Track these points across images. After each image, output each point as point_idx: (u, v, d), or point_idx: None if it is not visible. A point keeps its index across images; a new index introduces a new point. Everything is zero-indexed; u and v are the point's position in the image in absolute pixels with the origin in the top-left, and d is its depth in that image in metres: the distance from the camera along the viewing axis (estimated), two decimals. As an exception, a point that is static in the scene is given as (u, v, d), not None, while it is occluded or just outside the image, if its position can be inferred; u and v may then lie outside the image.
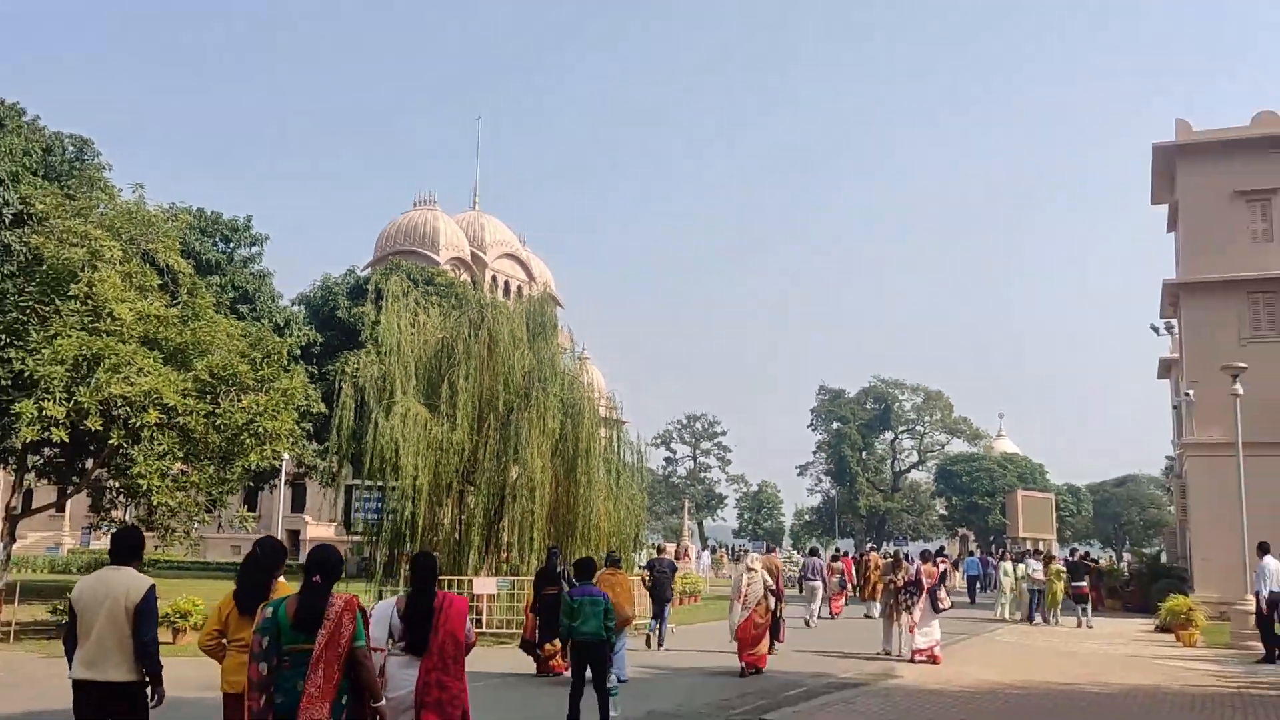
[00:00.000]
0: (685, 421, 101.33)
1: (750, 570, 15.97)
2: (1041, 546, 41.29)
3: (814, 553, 29.23)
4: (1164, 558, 39.72)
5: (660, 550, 26.76)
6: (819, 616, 25.97)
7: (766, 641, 15.84)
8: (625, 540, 22.02)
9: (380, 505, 21.05)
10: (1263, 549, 19.98)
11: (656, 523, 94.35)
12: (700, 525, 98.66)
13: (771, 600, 15.78)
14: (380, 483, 20.63)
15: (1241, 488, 22.56)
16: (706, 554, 54.56)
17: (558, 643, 14.58)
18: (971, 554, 42.83)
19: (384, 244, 70.94)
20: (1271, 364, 28.33)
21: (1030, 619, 27.35)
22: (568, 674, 14.91)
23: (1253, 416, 25.72)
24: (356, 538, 24.02)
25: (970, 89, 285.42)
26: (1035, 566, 28.05)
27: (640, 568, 21.81)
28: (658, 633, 19.42)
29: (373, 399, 20.79)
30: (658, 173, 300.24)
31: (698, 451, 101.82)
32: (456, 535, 20.76)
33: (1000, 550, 37.85)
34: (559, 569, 15.50)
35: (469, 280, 57.82)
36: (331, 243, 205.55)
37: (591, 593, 10.72)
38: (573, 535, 20.39)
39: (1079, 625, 25.92)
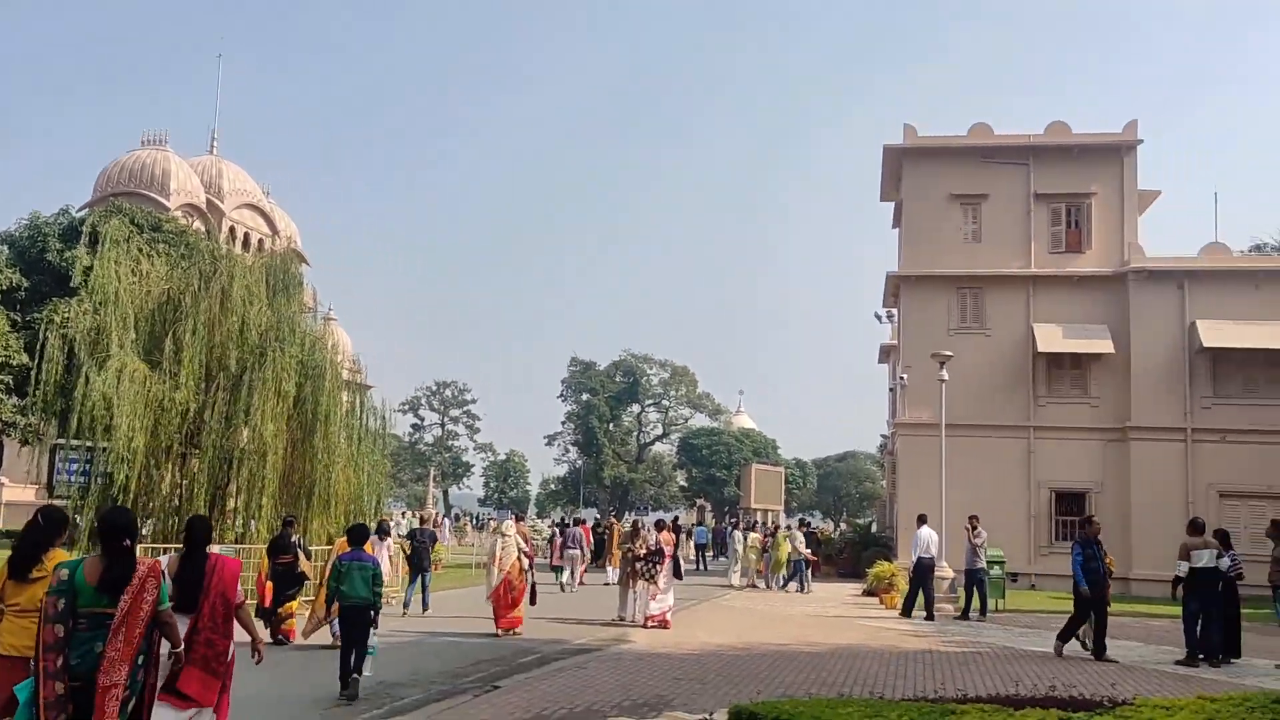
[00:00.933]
0: (435, 388, 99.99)
1: (504, 536, 16.85)
2: (771, 517, 43.70)
3: (578, 522, 30.35)
4: (875, 528, 43.19)
5: (424, 520, 26.73)
6: (580, 583, 26.86)
7: (524, 605, 16.71)
8: (365, 508, 21.58)
9: (89, 467, 19.59)
10: (920, 520, 22.03)
11: (401, 490, 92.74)
12: (445, 493, 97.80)
13: (525, 563, 16.71)
14: (90, 443, 19.19)
15: (943, 464, 24.88)
16: (448, 522, 54.32)
17: (292, 606, 15.08)
18: (700, 524, 45.02)
19: (105, 184, 65.34)
20: (974, 353, 31.40)
21: (784, 586, 28.65)
22: (301, 640, 14.82)
23: (956, 400, 28.57)
24: (60, 501, 22.24)
25: (733, 68, 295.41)
26: (799, 537, 29.24)
27: (400, 536, 21.71)
28: (421, 599, 19.57)
29: (85, 352, 19.30)
30: (420, 132, 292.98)
31: (446, 419, 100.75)
32: (176, 501, 19.62)
33: (735, 520, 39.94)
34: (294, 539, 15.56)
35: (203, 230, 54.25)
36: (43, 178, 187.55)
37: (361, 558, 11.12)
38: (309, 502, 19.76)
39: (801, 590, 27.75)
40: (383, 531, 19.13)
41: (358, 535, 11.58)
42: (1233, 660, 14.87)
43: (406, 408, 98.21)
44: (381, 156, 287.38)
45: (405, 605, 19.61)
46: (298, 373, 20.37)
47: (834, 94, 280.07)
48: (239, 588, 6.85)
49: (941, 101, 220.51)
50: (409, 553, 20.21)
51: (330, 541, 18.49)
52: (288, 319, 21.13)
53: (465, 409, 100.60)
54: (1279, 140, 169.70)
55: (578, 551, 27.35)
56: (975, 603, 21.64)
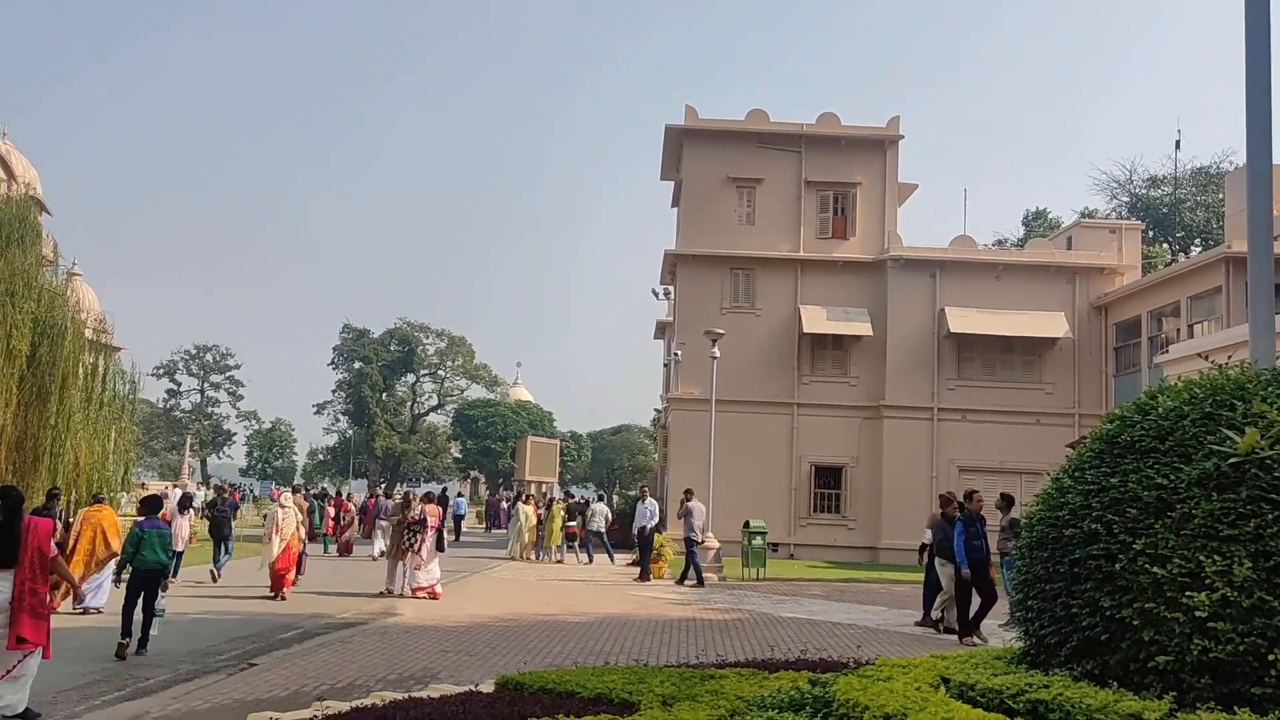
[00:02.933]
0: (195, 352, 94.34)
1: (284, 507, 18.35)
2: (546, 489, 43.92)
3: (387, 494, 29.99)
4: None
5: (221, 490, 26.78)
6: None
7: (293, 572, 18.36)
8: (111, 478, 20.16)
9: None
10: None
11: (153, 459, 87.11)
12: (204, 463, 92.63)
13: (303, 532, 18.66)
14: None
15: (712, 438, 25.72)
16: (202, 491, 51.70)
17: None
18: (461, 495, 45.27)
19: None
20: (744, 332, 32.50)
21: (559, 559, 28.88)
22: (61, 607, 14.24)
23: (727, 376, 29.57)
24: None
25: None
26: (597, 510, 29.48)
27: (203, 503, 22.77)
28: (219, 568, 20.23)
29: None
30: (179, 77, 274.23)
31: (206, 385, 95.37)
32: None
33: (517, 493, 40.11)
34: (58, 511, 15.41)
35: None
36: None
37: (158, 525, 12.15)
38: (38, 471, 18.17)
39: (579, 561, 28.22)
40: (186, 503, 20.10)
41: (152, 504, 12.60)
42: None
43: (162, 371, 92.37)
44: (134, 99, 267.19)
45: (215, 574, 19.96)
46: (33, 331, 18.67)
47: (623, 66, 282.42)
48: (51, 542, 8.24)
49: (724, 83, 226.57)
50: (211, 523, 21.18)
51: (72, 513, 17.29)
52: (22, 271, 19.30)
53: (228, 374, 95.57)
54: (1017, 142, 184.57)
55: (388, 524, 26.57)
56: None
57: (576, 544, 29.18)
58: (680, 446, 32.67)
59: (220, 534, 20.85)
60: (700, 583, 22.08)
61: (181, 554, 20.16)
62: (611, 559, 28.48)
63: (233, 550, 21.25)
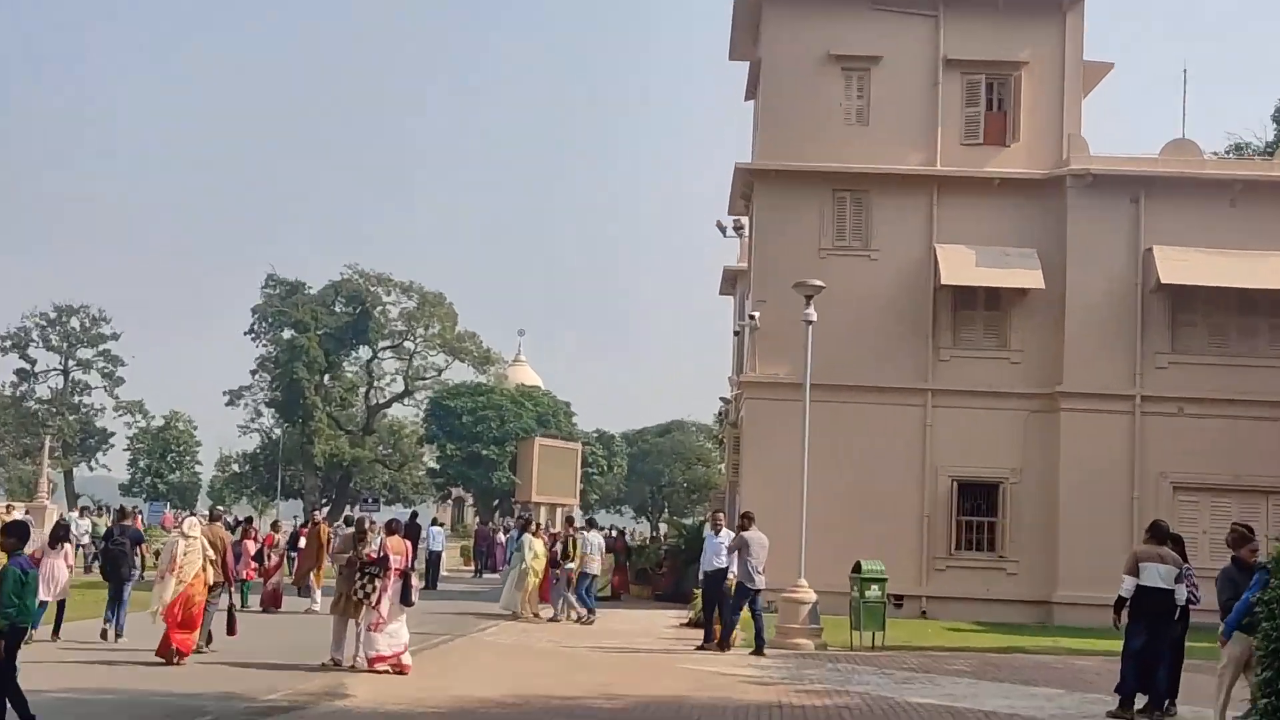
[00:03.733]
0: (55, 316, 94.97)
1: (187, 537, 18.80)
2: (562, 515, 43.95)
3: (350, 523, 31.28)
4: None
5: (124, 515, 26.13)
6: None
7: (200, 627, 18.90)
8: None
9: None
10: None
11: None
12: (69, 475, 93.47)
13: (212, 575, 18.90)
14: None
15: (805, 440, 25.32)
16: (77, 516, 52.19)
17: None
18: (438, 524, 45.21)
19: None
20: (853, 283, 31.92)
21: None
22: None
23: (827, 350, 29.12)
24: None
25: None
26: (591, 541, 29.75)
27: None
28: (115, 621, 20.71)
29: None
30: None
31: (71, 362, 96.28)
32: None
33: (521, 520, 39.98)
34: None
35: None
36: None
37: (23, 564, 11.99)
38: None
39: (567, 618, 28.49)
40: (61, 534, 20.89)
41: (18, 531, 12.46)
42: (1173, 706, 15.71)
43: (8, 344, 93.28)
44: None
45: (109, 631, 20.60)
46: None
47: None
48: None
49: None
50: (105, 561, 21.83)
51: None
52: None
53: (102, 348, 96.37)
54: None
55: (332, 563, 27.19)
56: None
57: (567, 592, 29.33)
58: (757, 452, 32.26)
59: (119, 576, 21.18)
60: (725, 645, 22.91)
61: (62, 604, 20.55)
62: (587, 614, 28.66)
63: (128, 597, 21.38)
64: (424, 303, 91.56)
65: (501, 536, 32.31)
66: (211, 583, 19.07)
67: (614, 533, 36.21)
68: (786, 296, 28.62)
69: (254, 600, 27.97)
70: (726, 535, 24.13)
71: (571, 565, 28.93)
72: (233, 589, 21.20)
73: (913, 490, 32.42)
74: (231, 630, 19.92)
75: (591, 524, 35.97)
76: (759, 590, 22.71)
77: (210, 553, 18.94)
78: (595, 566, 29.72)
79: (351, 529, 23.36)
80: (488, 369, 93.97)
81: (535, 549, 29.00)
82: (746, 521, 23.25)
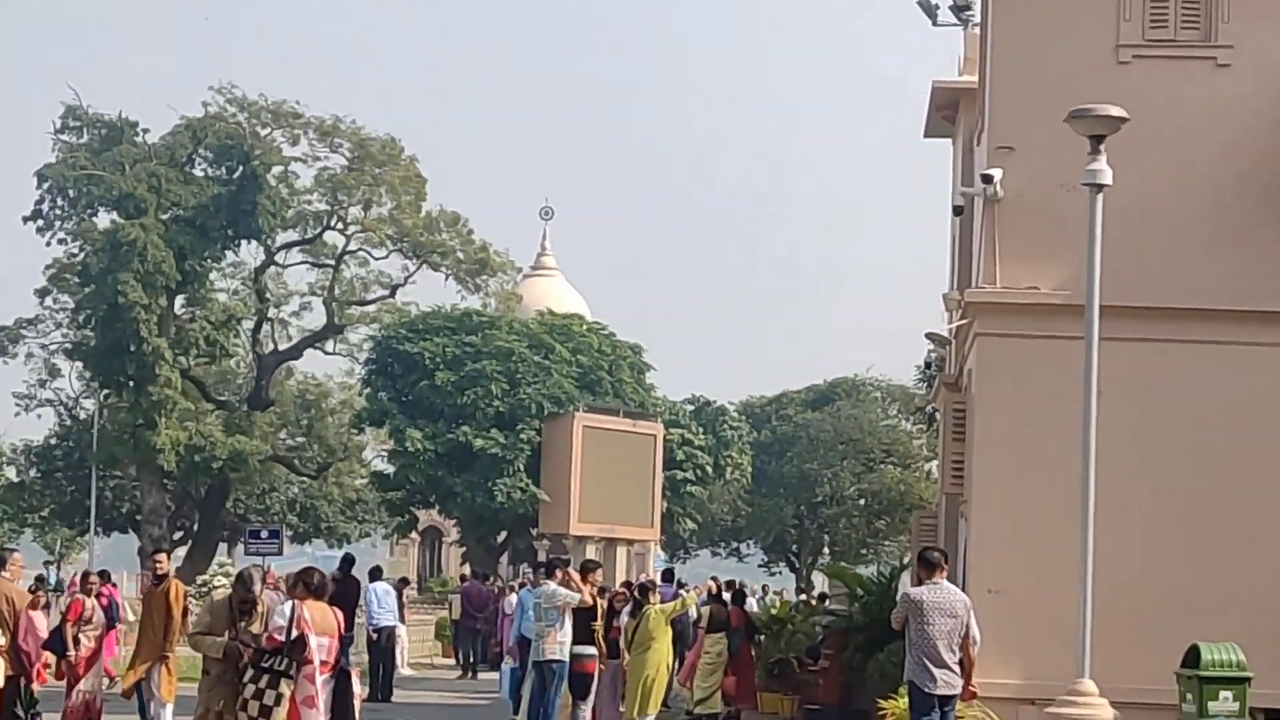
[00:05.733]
0: None
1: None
2: (631, 559, 35.92)
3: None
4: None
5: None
6: None
7: None
8: None
9: None
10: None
11: None
12: None
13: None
14: None
15: (1091, 418, 17.16)
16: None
17: None
18: (389, 581, 33.51)
19: None
20: (1183, 113, 22.46)
21: None
22: None
23: (1133, 243, 20.53)
24: None
25: None
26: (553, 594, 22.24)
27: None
28: None
29: None
30: None
31: None
32: None
33: (545, 563, 28.70)
34: None
35: None
36: None
37: None
38: None
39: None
40: None
41: None
42: None
43: None
44: None
45: None
46: None
47: None
48: None
49: None
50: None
51: None
52: None
53: None
54: None
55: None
56: None
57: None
58: (998, 435, 22.86)
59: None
60: None
61: None
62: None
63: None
64: (361, 153, 61.17)
65: (512, 600, 25.53)
66: None
67: (717, 590, 27.75)
68: (1055, 137, 19.91)
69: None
70: (953, 592, 17.29)
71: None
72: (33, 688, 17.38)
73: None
74: None
75: (551, 567, 25.83)
76: (941, 697, 16.50)
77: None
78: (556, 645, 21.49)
79: (225, 589, 22.21)
80: (484, 283, 63.82)
81: (563, 599, 21.03)
82: (928, 564, 17.11)
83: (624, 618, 22.74)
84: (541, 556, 36.79)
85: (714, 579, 31.55)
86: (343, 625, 14.95)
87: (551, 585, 21.30)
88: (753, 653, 28.26)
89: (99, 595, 22.98)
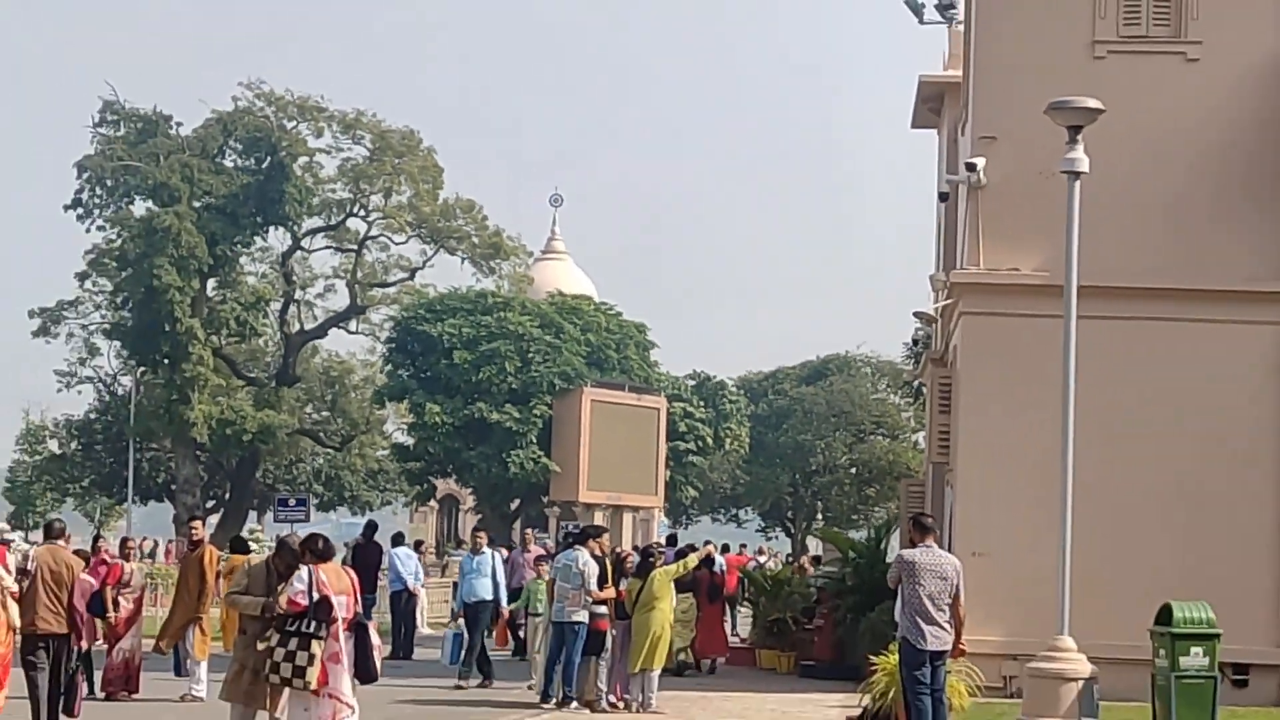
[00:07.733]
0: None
1: None
2: (635, 525, 36.41)
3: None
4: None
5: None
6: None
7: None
8: None
9: None
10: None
11: None
12: None
13: (14, 616, 16.30)
14: None
15: (1069, 392, 18.18)
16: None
17: None
18: (410, 546, 34.21)
19: None
20: (1155, 105, 23.62)
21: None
22: None
23: (1108, 227, 21.75)
24: None
25: None
26: (586, 566, 22.49)
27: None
28: None
29: None
30: None
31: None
32: None
33: (568, 532, 31.09)
34: None
35: None
36: None
37: None
38: None
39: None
40: None
41: None
42: None
43: None
44: None
45: None
46: None
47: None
48: None
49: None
50: None
51: None
52: None
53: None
54: None
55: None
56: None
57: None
58: (981, 407, 24.01)
59: None
60: None
61: None
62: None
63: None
64: (382, 145, 64.98)
65: (546, 555, 26.28)
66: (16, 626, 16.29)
67: (712, 550, 28.84)
68: (1034, 128, 21.15)
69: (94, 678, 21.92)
70: (948, 558, 17.68)
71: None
72: (81, 645, 17.02)
73: (1264, 476, 23.69)
74: (70, 709, 16.34)
75: (584, 536, 26.56)
76: (932, 653, 16.93)
77: (10, 584, 16.21)
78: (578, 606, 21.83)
79: (263, 555, 21.33)
80: (498, 266, 67.74)
81: (586, 566, 21.46)
82: (920, 527, 17.72)
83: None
84: (552, 523, 37.49)
85: (708, 543, 32.78)
86: (357, 583, 15.47)
87: (585, 554, 21.94)
88: (725, 611, 30.76)
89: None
